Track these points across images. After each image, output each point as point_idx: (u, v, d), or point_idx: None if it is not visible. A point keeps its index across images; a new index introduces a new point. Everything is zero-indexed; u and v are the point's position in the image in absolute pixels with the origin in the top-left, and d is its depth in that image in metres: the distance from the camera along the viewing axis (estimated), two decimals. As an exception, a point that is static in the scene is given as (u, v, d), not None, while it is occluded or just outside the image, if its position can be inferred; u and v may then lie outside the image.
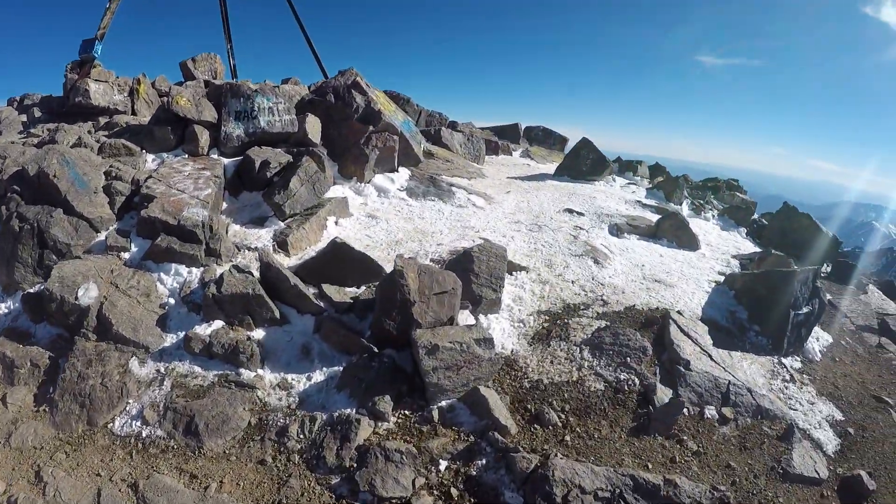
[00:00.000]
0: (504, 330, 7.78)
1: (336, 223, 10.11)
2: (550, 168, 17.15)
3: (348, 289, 8.13)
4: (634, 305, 8.51)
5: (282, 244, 9.07)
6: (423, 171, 12.83)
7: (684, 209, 14.94)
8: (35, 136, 11.81)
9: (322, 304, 7.77)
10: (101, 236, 8.99)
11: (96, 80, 12.94)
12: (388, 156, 12.01)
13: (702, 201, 16.16)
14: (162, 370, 7.01)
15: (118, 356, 7.08)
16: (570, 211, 12.19)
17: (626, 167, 18.77)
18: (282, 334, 7.52)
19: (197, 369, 7.03)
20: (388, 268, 7.48)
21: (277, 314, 7.56)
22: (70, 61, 13.57)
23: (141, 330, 7.37)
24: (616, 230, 11.54)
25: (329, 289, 7.96)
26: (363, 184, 11.68)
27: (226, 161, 10.79)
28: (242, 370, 6.96)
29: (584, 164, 15.98)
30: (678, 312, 8.32)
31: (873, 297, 11.46)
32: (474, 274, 7.92)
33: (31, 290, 8.27)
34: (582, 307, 8.38)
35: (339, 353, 7.20)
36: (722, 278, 10.01)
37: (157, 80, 14.45)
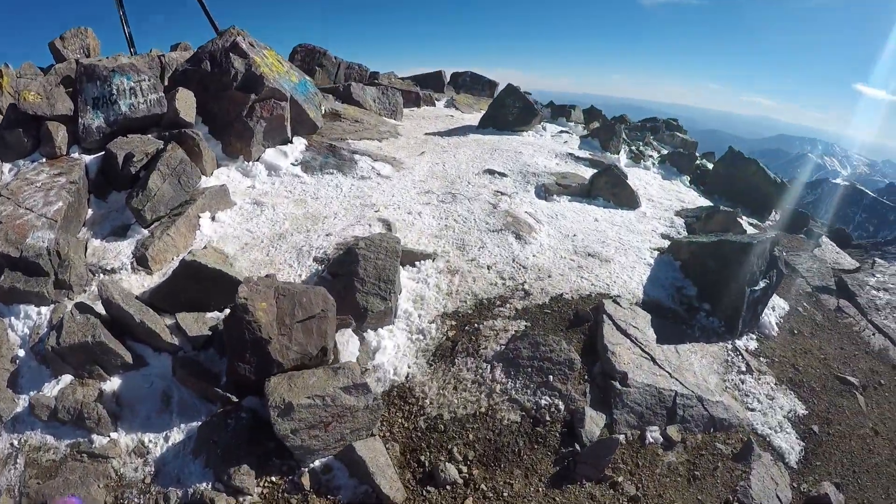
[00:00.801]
0: (399, 347, 6.36)
1: (213, 218, 8.39)
2: (476, 118, 15.44)
3: (210, 314, 6.53)
4: (562, 294, 7.10)
5: (141, 260, 7.42)
6: (323, 139, 11.00)
7: (622, 158, 13.41)
8: None
9: (177, 339, 6.21)
10: None
11: None
12: (279, 126, 10.14)
13: (641, 145, 14.73)
14: (16, 443, 5.57)
15: (-31, 434, 5.58)
16: (492, 172, 10.56)
17: (559, 112, 17.10)
18: (140, 379, 6.02)
19: (49, 440, 5.58)
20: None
21: (130, 358, 6.03)
22: None
23: (-9, 398, 5.87)
24: (544, 192, 10.02)
25: (186, 319, 6.34)
26: (251, 163, 9.86)
27: (88, 159, 8.95)
28: (95, 436, 5.52)
29: (509, 113, 14.20)
30: (614, 301, 6.92)
31: (827, 250, 10.34)
32: (359, 279, 6.45)
33: None
34: (498, 302, 6.94)
35: (199, 400, 5.72)
36: (666, 243, 8.66)
37: (23, 68, 12.19)
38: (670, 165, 13.62)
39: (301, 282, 7.02)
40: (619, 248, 8.36)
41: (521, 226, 8.52)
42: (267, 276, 6.63)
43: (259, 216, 8.56)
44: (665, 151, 15.13)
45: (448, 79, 21.65)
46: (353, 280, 6.43)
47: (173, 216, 8.06)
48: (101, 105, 9.18)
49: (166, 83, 10.43)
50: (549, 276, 7.39)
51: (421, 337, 6.46)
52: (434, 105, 17.55)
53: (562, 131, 15.08)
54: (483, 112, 15.44)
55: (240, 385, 5.47)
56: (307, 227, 8.23)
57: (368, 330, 6.35)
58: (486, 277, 7.32)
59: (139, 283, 7.24)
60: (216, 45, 10.42)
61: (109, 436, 5.57)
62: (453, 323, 6.59)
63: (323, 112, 12.06)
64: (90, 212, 8.50)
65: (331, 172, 9.99)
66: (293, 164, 10.08)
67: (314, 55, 18.75)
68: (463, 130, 14.00)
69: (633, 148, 14.42)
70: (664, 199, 11.06)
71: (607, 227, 9.05)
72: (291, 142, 10.50)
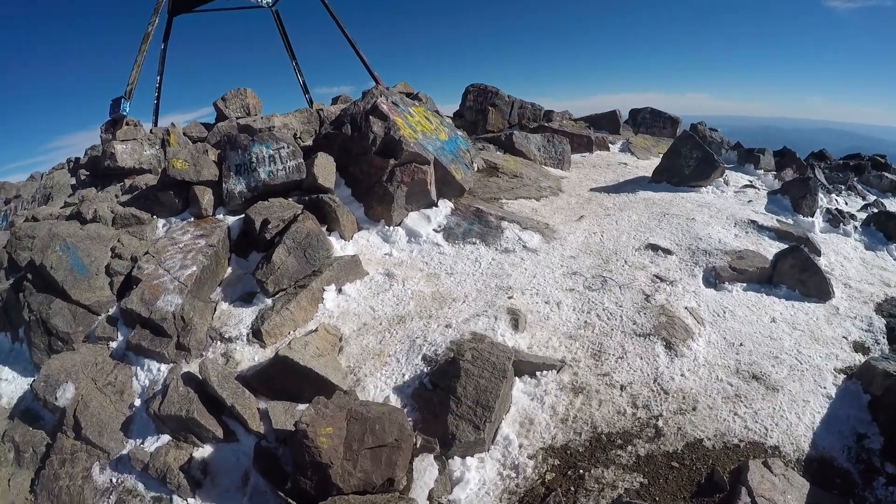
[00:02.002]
0: (484, 482, 5.52)
1: (339, 290, 8.26)
2: (652, 165, 13.72)
3: (301, 406, 6.32)
4: (702, 440, 5.64)
5: (256, 333, 7.50)
6: (472, 200, 10.37)
7: (817, 223, 10.84)
8: (69, 206, 11.12)
9: (263, 427, 6.20)
10: (102, 318, 8.45)
11: (123, 141, 12.05)
12: (421, 190, 9.76)
13: (842, 191, 12.28)
14: (114, 481, 6.37)
15: (86, 458, 6.76)
16: (655, 248, 9.09)
17: (746, 157, 14.71)
18: (228, 453, 6.27)
19: (140, 487, 6.27)
20: (355, 379, 6.14)
21: (221, 433, 6.29)
22: (103, 122, 12.84)
23: (105, 434, 6.90)
24: (714, 277, 8.31)
25: (276, 408, 6.30)
26: (392, 227, 9.65)
27: (231, 220, 9.42)
28: (175, 497, 5.99)
29: (685, 165, 12.31)
30: (765, 464, 5.26)
31: None
32: (455, 398, 5.79)
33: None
34: (619, 441, 5.71)
35: (272, 491, 5.61)
36: (858, 359, 6.75)
37: (189, 127, 13.28)
38: (875, 229, 10.75)
39: (403, 382, 6.53)
40: (793, 369, 6.57)
41: (676, 329, 7.07)
42: (346, 392, 6.16)
43: (386, 292, 8.22)
44: (872, 198, 12.41)
45: (625, 117, 19.86)
46: (450, 398, 5.80)
47: (297, 288, 8.03)
48: (242, 172, 9.60)
49: (320, 131, 10.46)
50: (694, 409, 5.97)
51: (514, 474, 5.53)
52: (608, 149, 16.13)
53: (747, 185, 12.85)
54: (661, 157, 13.75)
55: (302, 495, 5.11)
56: (430, 312, 7.67)
57: (455, 456, 5.60)
58: (614, 402, 6.12)
59: (251, 355, 7.34)
60: (357, 107, 10.34)
61: (187, 500, 5.98)
62: (556, 463, 5.56)
63: (476, 168, 11.43)
64: (229, 270, 8.94)
65: (473, 242, 9.35)
66: (435, 231, 9.63)
67: (486, 95, 18.26)
68: (633, 185, 12.50)
69: (831, 206, 11.74)
70: (865, 284, 8.68)
71: (785, 333, 7.21)
72: (436, 205, 10.05)
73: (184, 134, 12.64)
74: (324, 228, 9.09)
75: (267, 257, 8.18)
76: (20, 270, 9.29)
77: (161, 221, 9.87)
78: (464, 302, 7.84)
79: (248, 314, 7.94)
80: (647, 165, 14.47)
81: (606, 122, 18.88)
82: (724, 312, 7.60)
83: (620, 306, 7.57)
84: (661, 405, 6.03)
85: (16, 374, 8.55)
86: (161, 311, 7.66)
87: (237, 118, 12.97)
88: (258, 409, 6.34)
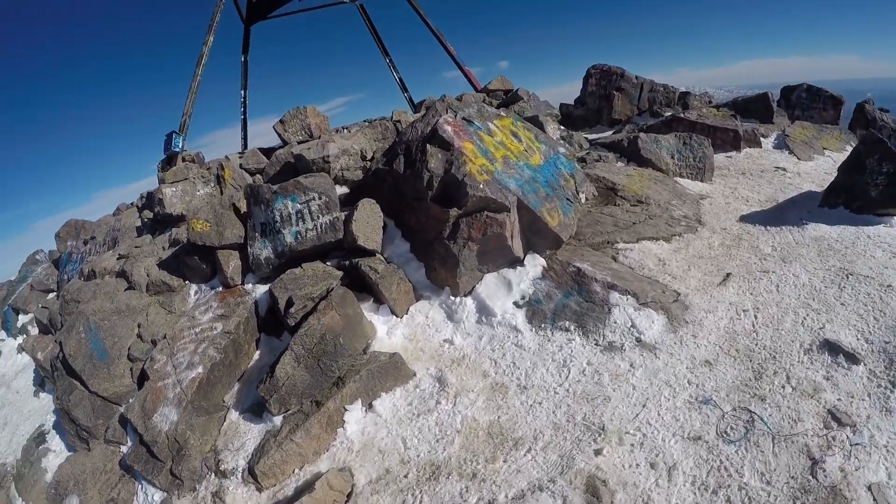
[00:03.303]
0: None
1: (369, 407, 6.04)
2: (818, 170, 9.80)
3: None
4: None
5: (252, 471, 5.66)
6: (574, 250, 7.37)
7: None
8: (123, 258, 10.03)
9: None
10: (117, 414, 7.28)
11: (173, 183, 10.50)
12: (498, 246, 6.93)
13: None
14: None
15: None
16: (833, 349, 5.46)
17: None
18: None
19: None
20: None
21: None
22: (160, 160, 11.43)
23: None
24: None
25: None
26: (458, 298, 7.02)
27: (261, 291, 7.51)
28: None
29: (871, 183, 7.88)
30: None
31: None
32: None
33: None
34: None
35: None
36: None
37: (247, 157, 11.39)
38: None
39: None
40: None
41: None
42: None
43: (430, 413, 5.87)
44: None
45: (777, 100, 14.85)
46: None
47: (313, 405, 5.99)
48: (267, 232, 7.55)
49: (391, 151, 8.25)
50: None
51: None
52: (759, 145, 11.83)
53: None
54: (828, 151, 10.30)
55: None
56: (476, 465, 5.21)
57: None
58: None
59: (244, 499, 5.60)
60: (415, 130, 7.80)
61: None
62: None
63: (584, 198, 8.44)
64: (257, 356, 7.11)
65: (565, 328, 6.44)
66: (516, 305, 6.82)
67: (610, 77, 14.95)
68: (798, 209, 8.53)
69: None
70: None
71: None
72: (522, 263, 7.18)
73: (240, 166, 10.80)
74: (369, 302, 7.02)
75: (271, 369, 6.11)
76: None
77: (193, 288, 8.32)
78: (529, 450, 5.20)
79: (253, 435, 6.12)
80: (811, 171, 10.30)
81: (756, 108, 14.04)
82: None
83: (770, 483, 4.43)
84: None
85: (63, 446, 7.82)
86: (154, 431, 6.24)
87: (298, 141, 10.91)
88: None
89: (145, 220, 11.57)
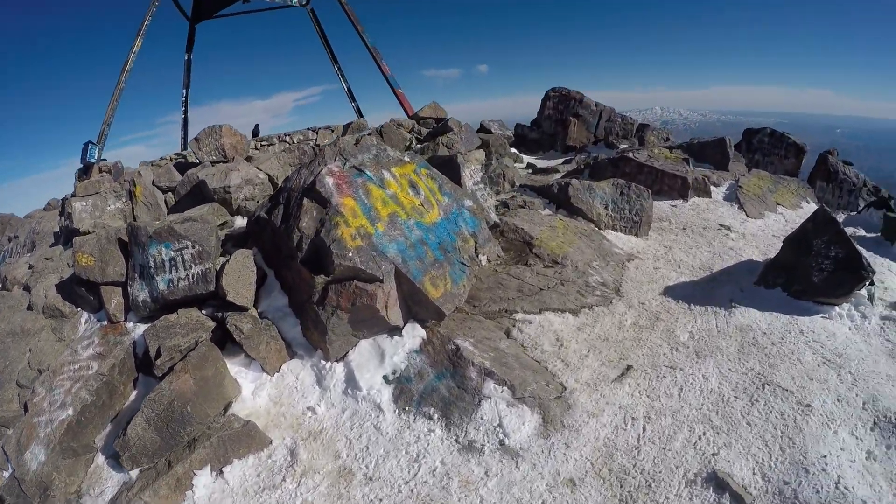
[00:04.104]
0: None
1: (219, 473, 5.61)
2: (767, 231, 8.81)
3: None
4: None
5: None
6: (457, 326, 6.52)
7: None
8: (32, 269, 9.78)
9: None
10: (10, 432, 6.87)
11: (83, 196, 9.84)
12: (371, 317, 6.21)
13: None
14: None
15: None
16: (721, 485, 4.55)
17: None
18: None
19: None
20: None
21: None
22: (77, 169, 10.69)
23: None
24: None
25: None
26: (329, 363, 6.38)
27: (140, 331, 7.03)
28: None
29: (816, 266, 6.84)
30: None
31: None
32: None
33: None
34: None
35: None
36: None
37: (161, 173, 10.58)
38: None
39: None
40: None
41: None
42: None
43: (273, 491, 5.40)
44: None
45: (735, 144, 13.71)
46: None
47: (162, 466, 5.63)
48: (144, 276, 7.05)
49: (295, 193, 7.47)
50: None
51: None
52: (709, 194, 10.73)
53: None
54: (779, 214, 9.49)
55: None
56: None
57: None
58: None
59: None
60: (299, 177, 6.91)
61: None
62: None
63: (486, 260, 7.55)
64: (133, 395, 6.73)
65: (428, 416, 5.77)
66: (385, 380, 6.15)
67: (568, 102, 14.17)
68: (732, 283, 7.58)
69: None
70: None
71: None
72: (401, 333, 6.43)
73: (153, 183, 9.91)
74: (241, 357, 6.50)
75: (124, 427, 5.77)
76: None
77: (84, 316, 7.92)
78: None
79: (113, 483, 5.83)
80: (757, 232, 9.25)
81: (712, 153, 12.86)
82: None
83: None
84: None
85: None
86: (23, 468, 6.05)
87: (212, 162, 10.02)
88: None
89: (61, 227, 10.82)
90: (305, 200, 6.41)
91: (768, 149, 14.25)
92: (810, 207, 10.90)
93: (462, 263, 6.80)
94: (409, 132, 15.09)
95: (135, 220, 9.69)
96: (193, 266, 6.76)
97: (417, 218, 6.74)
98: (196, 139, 10.48)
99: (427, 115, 15.94)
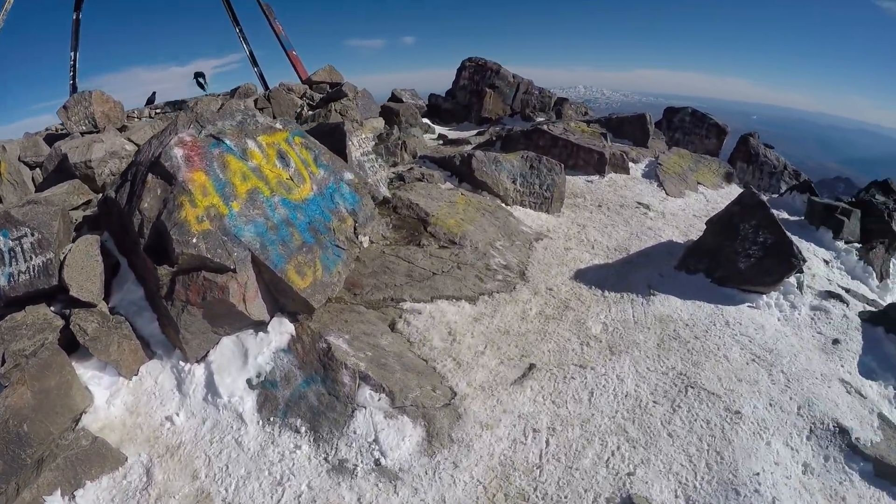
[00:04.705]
0: None
1: (72, 497, 4.78)
2: (686, 212, 8.08)
3: None
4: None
5: None
6: (331, 320, 5.58)
7: None
8: None
9: None
10: None
11: None
12: (227, 312, 5.25)
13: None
14: None
15: None
16: None
17: (823, 217, 7.90)
18: None
19: None
20: None
21: None
22: None
23: None
24: None
25: None
26: (188, 364, 5.44)
27: None
28: None
29: (743, 252, 6.07)
30: None
31: None
32: None
33: None
34: None
35: None
36: None
37: (28, 146, 9.14)
38: None
39: None
40: None
41: None
42: None
43: None
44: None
45: (655, 122, 12.92)
46: None
47: (12, 493, 4.73)
48: None
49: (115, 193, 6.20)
50: None
51: None
52: (627, 171, 9.91)
53: (830, 293, 6.18)
54: (700, 193, 8.91)
55: None
56: None
57: None
58: None
59: None
60: (150, 148, 5.68)
61: None
62: None
63: (365, 244, 6.60)
64: None
65: (295, 429, 4.92)
66: (249, 385, 5.24)
67: (485, 73, 13.53)
68: (650, 268, 6.70)
69: None
70: None
71: None
72: (266, 328, 5.48)
73: (19, 159, 8.52)
74: (94, 359, 5.47)
75: None
76: None
77: None
78: None
79: None
80: (678, 211, 8.42)
81: (631, 129, 11.87)
82: None
83: None
84: None
85: None
86: None
87: (82, 132, 8.66)
88: None
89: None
90: (150, 176, 5.27)
91: (689, 128, 13.68)
92: (732, 188, 10.51)
93: (337, 246, 5.79)
94: (301, 97, 13.90)
95: (1, 201, 8.28)
96: (34, 257, 5.59)
97: (284, 194, 5.66)
98: (65, 107, 9.12)
99: (321, 80, 14.70)
